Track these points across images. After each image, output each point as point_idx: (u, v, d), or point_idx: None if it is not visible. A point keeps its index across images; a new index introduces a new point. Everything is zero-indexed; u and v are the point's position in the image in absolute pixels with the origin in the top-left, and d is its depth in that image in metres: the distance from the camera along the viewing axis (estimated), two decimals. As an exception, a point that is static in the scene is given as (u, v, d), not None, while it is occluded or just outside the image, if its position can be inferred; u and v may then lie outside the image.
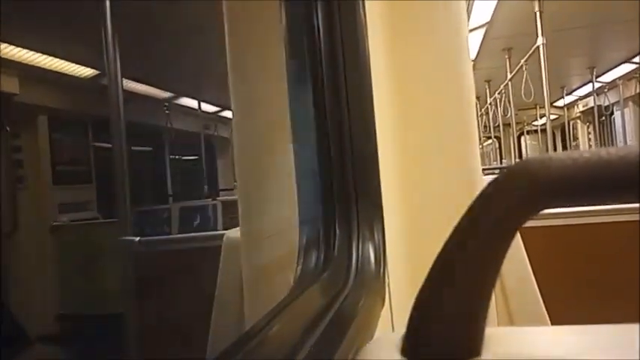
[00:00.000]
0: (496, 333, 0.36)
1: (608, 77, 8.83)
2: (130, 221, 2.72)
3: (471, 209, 0.33)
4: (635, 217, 1.86)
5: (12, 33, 3.77)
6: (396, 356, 0.35)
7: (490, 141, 12.05)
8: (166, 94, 6.61)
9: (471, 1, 4.61)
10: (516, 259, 1.36)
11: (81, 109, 5.24)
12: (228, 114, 7.72)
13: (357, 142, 0.86)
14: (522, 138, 13.21)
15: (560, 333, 0.38)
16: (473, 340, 0.34)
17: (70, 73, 4.88)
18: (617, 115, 9.85)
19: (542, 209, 0.31)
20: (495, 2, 4.78)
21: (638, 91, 8.64)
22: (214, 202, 5.48)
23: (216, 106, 7.59)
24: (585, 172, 0.29)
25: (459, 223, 0.33)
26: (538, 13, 4.42)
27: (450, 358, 0.33)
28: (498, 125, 9.03)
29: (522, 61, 5.54)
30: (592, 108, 9.73)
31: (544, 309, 1.42)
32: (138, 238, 2.48)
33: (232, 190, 7.56)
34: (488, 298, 0.34)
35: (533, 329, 0.38)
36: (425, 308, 0.34)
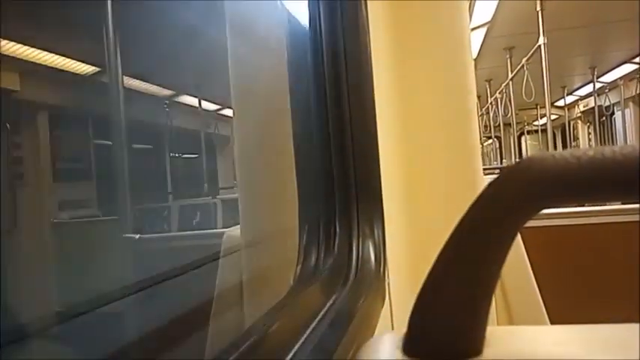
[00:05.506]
0: (497, 332, 0.36)
1: (609, 77, 8.82)
2: (129, 219, 2.73)
3: (473, 209, 0.33)
4: (635, 218, 1.86)
5: (13, 29, 3.76)
6: (397, 354, 0.35)
7: (490, 141, 12.04)
8: (167, 92, 6.61)
9: (472, 1, 4.61)
10: (516, 259, 1.36)
11: (82, 106, 5.23)
12: (228, 112, 7.71)
13: (358, 141, 0.86)
14: (523, 138, 13.21)
15: (560, 332, 0.38)
16: (474, 339, 0.34)
17: (71, 70, 4.88)
18: (617, 115, 9.84)
19: (544, 208, 0.31)
20: (497, 1, 4.78)
21: (638, 91, 8.63)
22: (214, 200, 5.48)
23: (217, 104, 7.59)
24: (589, 171, 0.29)
25: (461, 223, 0.33)
26: (539, 12, 4.42)
27: (452, 356, 0.33)
28: (499, 125, 9.03)
29: (523, 60, 5.54)
30: (593, 108, 9.72)
31: (543, 308, 1.42)
32: (138, 236, 2.49)
33: (232, 188, 7.56)
34: (490, 298, 0.34)
35: (534, 328, 0.38)
36: (426, 307, 0.34)
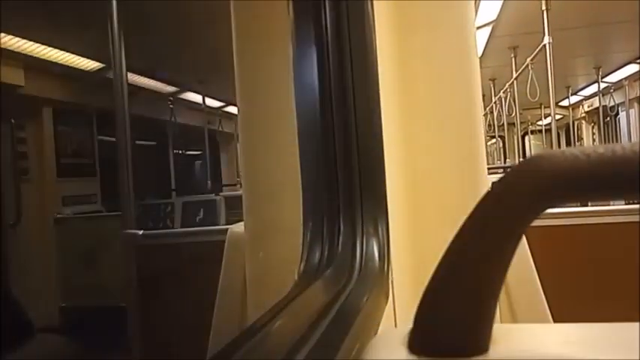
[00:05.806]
0: (503, 329, 0.36)
1: (614, 77, 8.78)
2: (133, 214, 2.73)
3: (481, 207, 0.33)
4: (636, 219, 1.86)
5: (18, 25, 3.77)
6: (402, 351, 0.35)
7: (494, 140, 12.02)
8: (171, 89, 6.61)
9: (477, 0, 4.60)
10: (520, 257, 1.36)
11: (86, 102, 5.24)
12: (232, 109, 7.72)
13: (363, 139, 0.86)
14: (526, 138, 13.18)
15: (565, 331, 0.38)
16: (481, 337, 0.34)
17: (76, 66, 4.88)
18: (622, 115, 9.80)
19: (553, 205, 0.31)
20: (502, 0, 4.76)
21: (643, 92, 8.60)
22: (217, 197, 5.48)
23: (221, 101, 7.59)
24: (599, 168, 0.29)
25: (468, 221, 0.33)
26: (545, 12, 4.40)
27: (458, 354, 0.33)
28: (503, 124, 9.00)
29: (528, 59, 5.51)
30: (597, 108, 9.68)
31: (547, 307, 1.42)
32: (141, 232, 2.49)
33: (235, 185, 7.56)
34: (497, 296, 0.34)
35: (539, 326, 0.38)
36: (433, 304, 0.34)
